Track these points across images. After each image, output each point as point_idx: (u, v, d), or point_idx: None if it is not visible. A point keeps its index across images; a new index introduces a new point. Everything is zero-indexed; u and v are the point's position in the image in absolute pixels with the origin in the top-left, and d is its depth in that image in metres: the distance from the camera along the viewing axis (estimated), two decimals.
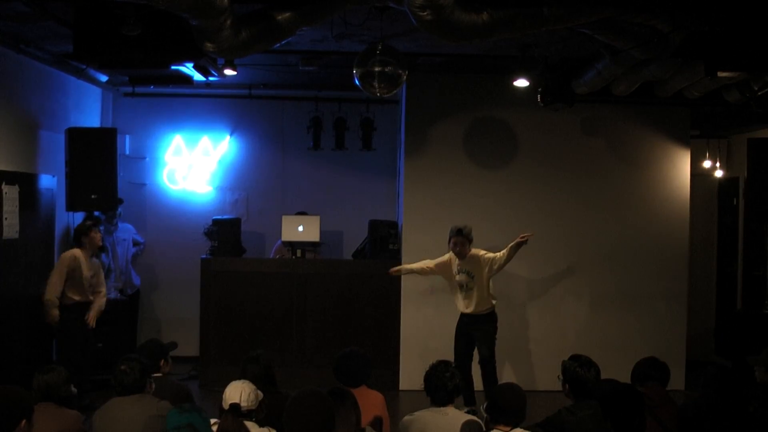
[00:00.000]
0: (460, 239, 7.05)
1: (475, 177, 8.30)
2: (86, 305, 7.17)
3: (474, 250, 7.14)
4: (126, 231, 8.88)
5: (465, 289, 7.12)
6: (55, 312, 6.97)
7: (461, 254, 7.08)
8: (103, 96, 9.13)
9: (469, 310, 7.12)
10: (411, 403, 6.53)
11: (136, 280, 9.01)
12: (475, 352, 7.21)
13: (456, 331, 7.25)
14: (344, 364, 4.58)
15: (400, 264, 8.15)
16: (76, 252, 7.09)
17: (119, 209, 8.56)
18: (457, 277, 7.13)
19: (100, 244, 7.39)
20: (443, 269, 7.24)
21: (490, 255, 7.10)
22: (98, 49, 5.94)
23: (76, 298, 7.07)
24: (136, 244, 9.09)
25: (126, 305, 8.54)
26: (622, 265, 8.35)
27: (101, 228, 8.40)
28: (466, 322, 7.17)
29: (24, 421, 3.22)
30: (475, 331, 7.14)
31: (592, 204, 8.38)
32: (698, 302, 9.36)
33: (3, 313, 6.86)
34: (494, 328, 7.18)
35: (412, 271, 7.44)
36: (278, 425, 3.51)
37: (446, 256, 7.22)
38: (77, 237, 7.23)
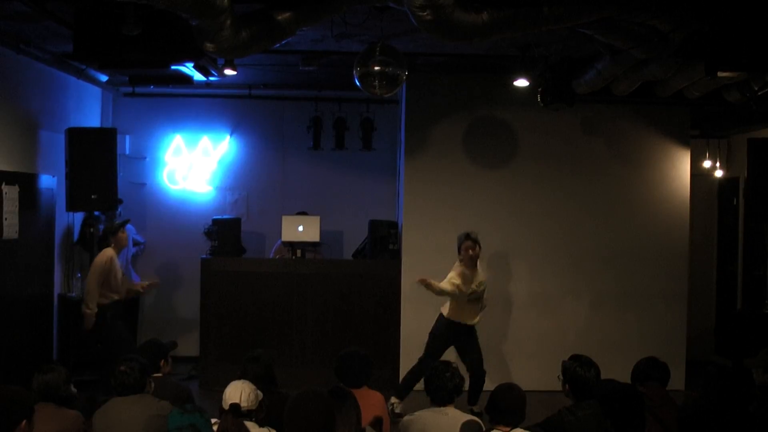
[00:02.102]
0: (471, 243, 6.99)
1: (475, 177, 8.30)
2: (122, 303, 7.20)
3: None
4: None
5: (478, 302, 7.11)
6: (93, 319, 6.97)
7: (474, 259, 6.99)
8: (103, 96, 9.13)
9: (474, 321, 7.11)
10: (411, 403, 6.54)
11: (136, 280, 9.00)
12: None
13: (442, 338, 7.13)
14: (345, 365, 4.58)
15: (400, 264, 8.17)
16: (110, 252, 7.07)
17: (119, 209, 8.56)
18: (480, 289, 7.05)
19: (127, 244, 7.36)
20: (462, 286, 6.93)
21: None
22: (98, 49, 5.93)
23: (116, 296, 7.08)
24: (136, 244, 9.08)
25: (125, 305, 8.49)
26: (622, 265, 8.35)
27: (100, 228, 8.42)
28: (461, 332, 7.11)
29: (24, 422, 3.22)
30: (467, 341, 7.14)
31: (592, 204, 8.38)
32: (698, 302, 9.36)
33: (3, 313, 6.86)
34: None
35: (443, 292, 6.89)
36: (278, 425, 3.50)
37: (459, 270, 6.95)
38: (105, 237, 7.20)
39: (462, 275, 6.92)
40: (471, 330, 7.16)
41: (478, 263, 7.10)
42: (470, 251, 6.96)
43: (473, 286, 6.99)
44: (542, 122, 8.21)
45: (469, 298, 7.00)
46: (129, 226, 8.90)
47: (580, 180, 8.38)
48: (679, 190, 8.47)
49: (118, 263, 7.16)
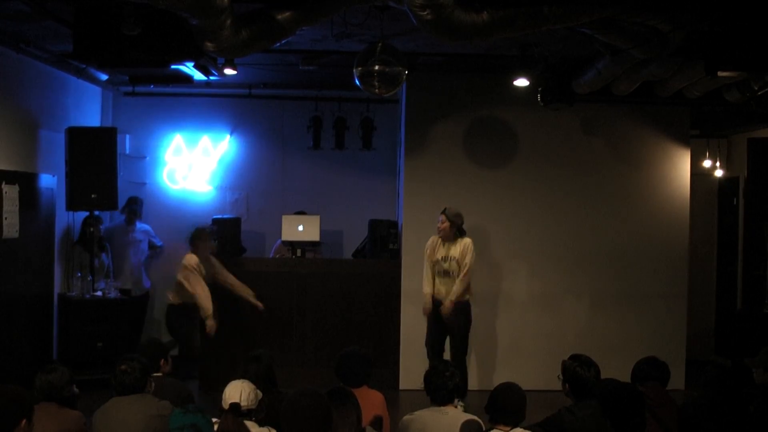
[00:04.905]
0: (441, 217, 7.16)
1: (475, 176, 8.30)
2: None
3: (466, 240, 7.22)
4: (142, 232, 8.88)
5: (447, 275, 7.17)
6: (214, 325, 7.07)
7: (445, 236, 7.15)
8: (103, 95, 9.13)
9: (442, 295, 7.16)
10: (411, 402, 6.53)
11: (146, 283, 8.99)
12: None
13: (429, 321, 7.27)
14: (345, 364, 4.58)
15: (400, 264, 8.17)
16: (194, 258, 7.15)
17: (141, 210, 8.69)
18: (445, 265, 7.18)
19: (207, 253, 7.34)
20: (430, 256, 7.26)
21: (469, 254, 7.18)
22: (98, 49, 5.93)
23: (189, 300, 7.12)
24: (152, 247, 9.05)
25: (128, 306, 8.44)
26: (622, 264, 8.35)
27: (101, 228, 8.42)
28: (440, 311, 7.18)
29: (24, 421, 3.22)
30: (450, 323, 7.18)
31: (592, 203, 8.38)
32: (698, 302, 9.36)
33: (3, 313, 6.86)
34: (468, 321, 7.26)
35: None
36: (278, 425, 3.50)
37: (428, 243, 7.30)
38: (193, 240, 7.25)
39: (429, 251, 7.29)
40: (451, 308, 7.15)
41: (464, 240, 7.20)
42: (438, 224, 7.20)
43: (438, 256, 7.18)
44: (542, 122, 8.21)
45: (436, 269, 7.18)
46: (147, 227, 8.93)
47: (580, 179, 8.38)
48: (679, 189, 8.46)
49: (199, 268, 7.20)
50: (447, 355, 7.30)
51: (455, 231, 7.19)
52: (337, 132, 9.20)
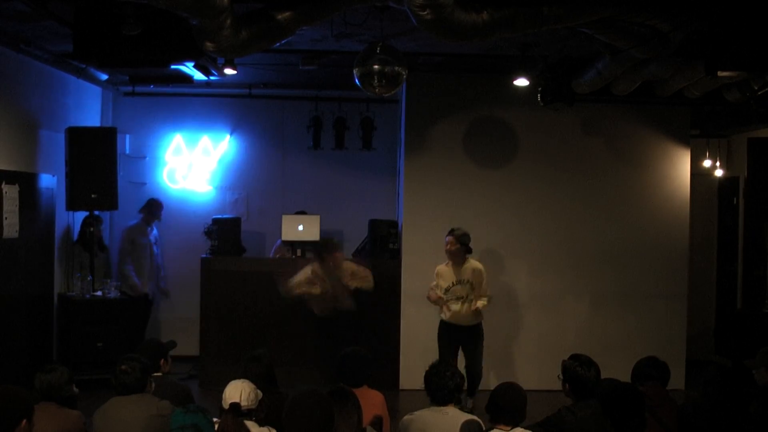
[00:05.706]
0: (450, 239, 7.06)
1: (475, 176, 8.31)
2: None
3: (476, 263, 7.14)
4: (153, 236, 8.89)
5: (460, 299, 7.07)
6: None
7: (453, 257, 7.05)
8: (103, 95, 9.13)
9: (462, 323, 7.07)
10: (411, 402, 6.54)
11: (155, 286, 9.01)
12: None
13: (441, 339, 7.19)
14: (346, 364, 4.59)
15: (400, 264, 8.17)
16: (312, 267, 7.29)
17: (161, 212, 8.75)
18: (457, 288, 7.05)
19: (337, 265, 7.29)
20: (440, 280, 7.15)
21: (486, 281, 7.13)
22: (98, 49, 5.94)
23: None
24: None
25: (128, 306, 8.40)
26: (622, 264, 8.35)
27: (101, 228, 8.42)
28: (454, 332, 7.12)
29: (24, 421, 3.22)
30: (467, 344, 7.14)
31: (592, 203, 8.38)
32: (698, 302, 9.36)
33: (3, 313, 6.86)
34: (482, 339, 7.19)
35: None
36: (278, 425, 3.51)
37: (438, 270, 7.16)
38: (318, 252, 7.35)
39: (438, 273, 7.13)
40: (465, 329, 7.11)
41: (472, 262, 7.10)
42: (447, 246, 7.08)
43: (449, 282, 7.04)
44: (542, 122, 8.21)
45: (448, 297, 7.03)
46: (156, 231, 8.89)
47: (580, 180, 8.38)
48: (679, 189, 8.47)
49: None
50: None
51: (464, 251, 7.08)
52: (337, 132, 9.21)
